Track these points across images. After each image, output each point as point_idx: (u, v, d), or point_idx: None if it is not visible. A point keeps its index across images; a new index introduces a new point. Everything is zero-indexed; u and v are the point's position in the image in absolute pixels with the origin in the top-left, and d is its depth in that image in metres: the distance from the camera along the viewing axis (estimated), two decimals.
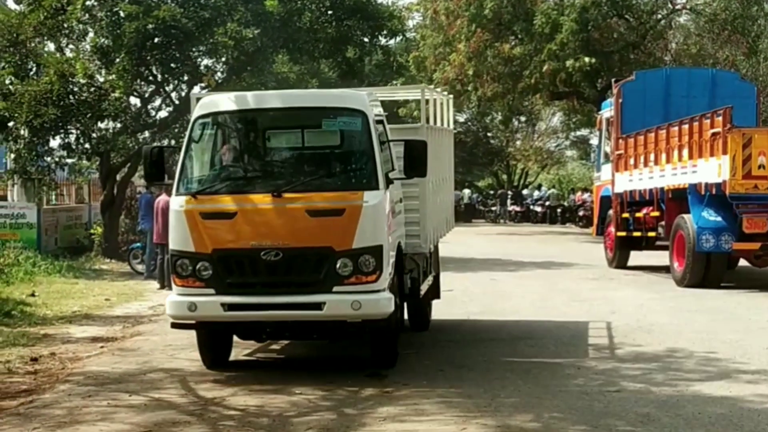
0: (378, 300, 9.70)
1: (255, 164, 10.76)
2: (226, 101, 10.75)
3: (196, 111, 10.53)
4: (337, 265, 9.61)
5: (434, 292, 13.61)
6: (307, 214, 9.66)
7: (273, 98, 11.16)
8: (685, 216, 18.31)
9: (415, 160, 10.17)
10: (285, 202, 9.73)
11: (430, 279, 12.88)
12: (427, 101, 12.65)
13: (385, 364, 10.39)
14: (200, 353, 10.71)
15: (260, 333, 10.57)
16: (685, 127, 18.54)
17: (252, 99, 10.83)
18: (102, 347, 12.55)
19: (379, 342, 10.37)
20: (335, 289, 9.63)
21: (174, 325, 10.28)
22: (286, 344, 12.11)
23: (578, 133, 56.45)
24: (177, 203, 9.98)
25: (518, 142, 60.23)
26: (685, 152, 18.44)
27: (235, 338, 11.05)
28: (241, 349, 11.57)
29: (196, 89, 14.71)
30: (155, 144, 12.07)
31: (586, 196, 44.22)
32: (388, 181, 10.05)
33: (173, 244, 10.01)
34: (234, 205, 9.85)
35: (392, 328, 10.18)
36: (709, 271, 17.98)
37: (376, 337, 10.33)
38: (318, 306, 9.61)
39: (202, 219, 9.76)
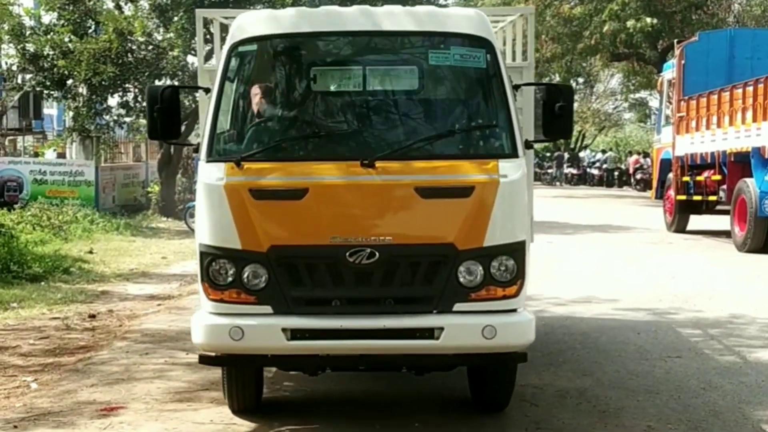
0: (519, 324, 6.53)
1: (329, 116, 7.18)
2: (278, 20, 7.11)
3: (234, 34, 6.99)
4: (461, 272, 6.43)
5: None
6: (417, 194, 6.41)
7: (353, 17, 7.06)
8: (748, 180, 18.03)
9: (562, 113, 6.87)
10: (382, 175, 6.43)
11: None
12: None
13: (497, 407, 7.45)
14: (227, 395, 7.43)
15: (326, 366, 6.90)
16: (749, 89, 18.15)
17: (320, 18, 7.13)
18: (159, 305, 12.62)
19: (490, 379, 7.32)
20: (457, 307, 6.44)
21: (204, 360, 6.87)
22: None
23: (637, 95, 55.89)
24: (211, 174, 6.54)
25: (576, 104, 59.71)
26: (749, 115, 18.07)
27: None
28: None
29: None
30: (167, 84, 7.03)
31: (643, 159, 43.79)
32: (527, 145, 6.96)
33: (205, 237, 6.53)
34: (303, 178, 6.46)
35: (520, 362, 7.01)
36: None
37: (490, 374, 7.30)
38: (431, 333, 6.41)
39: (253, 199, 6.42)
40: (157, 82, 24.54)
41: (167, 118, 6.79)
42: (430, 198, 6.41)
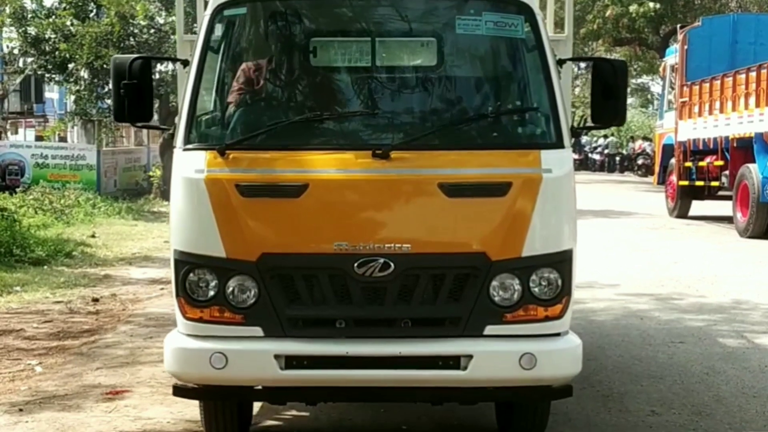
0: (564, 352, 5.42)
1: (334, 96, 5.95)
2: None
3: None
4: (494, 288, 5.30)
5: None
6: (441, 192, 5.24)
7: None
8: (750, 165, 18.03)
9: (615, 95, 5.66)
10: (398, 169, 5.26)
11: None
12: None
13: None
14: (206, 430, 6.19)
15: (326, 398, 5.80)
16: (753, 74, 18.13)
17: None
18: (162, 289, 12.61)
19: (520, 411, 6.13)
20: (489, 330, 5.31)
21: (179, 392, 5.64)
22: None
23: (639, 80, 55.80)
24: (189, 165, 5.37)
25: (577, 89, 59.57)
26: (752, 100, 18.05)
27: None
28: None
29: None
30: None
31: (645, 144, 43.76)
32: (573, 133, 5.80)
33: (181, 242, 5.39)
34: (301, 171, 5.30)
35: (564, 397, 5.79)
36: None
37: (519, 405, 6.11)
38: (457, 362, 5.28)
39: (240, 197, 5.24)
40: (159, 66, 24.55)
41: (136, 97, 5.52)
42: (458, 197, 5.26)
